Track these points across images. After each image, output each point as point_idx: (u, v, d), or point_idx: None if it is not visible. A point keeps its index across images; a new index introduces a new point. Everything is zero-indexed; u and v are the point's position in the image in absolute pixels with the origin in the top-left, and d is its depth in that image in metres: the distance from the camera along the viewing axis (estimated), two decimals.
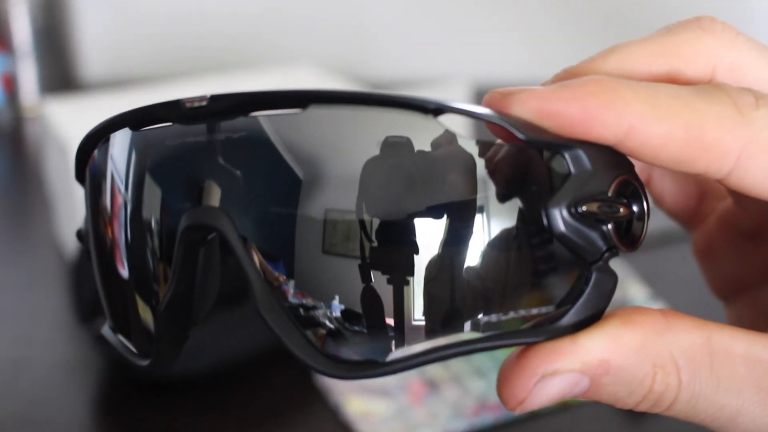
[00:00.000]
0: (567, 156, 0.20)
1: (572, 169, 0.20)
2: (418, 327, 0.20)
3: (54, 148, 0.62)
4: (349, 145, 0.20)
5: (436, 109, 0.20)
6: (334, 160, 0.20)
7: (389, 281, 0.20)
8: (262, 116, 0.21)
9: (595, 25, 1.04)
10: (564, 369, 0.20)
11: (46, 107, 0.65)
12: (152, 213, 0.22)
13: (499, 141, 0.20)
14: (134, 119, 0.23)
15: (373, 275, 0.20)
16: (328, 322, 0.20)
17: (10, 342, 0.54)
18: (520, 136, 0.20)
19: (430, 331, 0.20)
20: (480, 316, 0.20)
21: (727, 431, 0.21)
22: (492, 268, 0.20)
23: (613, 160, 0.20)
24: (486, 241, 0.20)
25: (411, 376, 0.48)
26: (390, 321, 0.20)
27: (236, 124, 0.21)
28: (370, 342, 0.20)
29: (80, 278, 0.50)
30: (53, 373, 0.51)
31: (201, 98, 0.21)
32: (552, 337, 0.20)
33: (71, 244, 0.59)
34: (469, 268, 0.20)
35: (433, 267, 0.20)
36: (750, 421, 0.20)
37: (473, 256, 0.20)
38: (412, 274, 0.20)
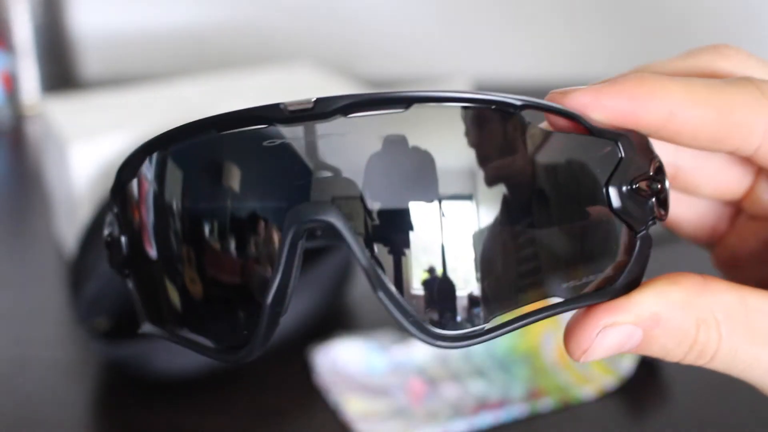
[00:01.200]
0: (619, 143, 0.24)
1: (623, 153, 0.24)
2: (518, 295, 0.24)
3: (54, 146, 0.62)
4: (452, 140, 0.23)
5: (521, 105, 0.24)
6: (441, 154, 0.23)
7: (489, 257, 0.23)
8: (365, 116, 0.23)
9: (595, 23, 1.04)
10: (621, 321, 0.23)
11: (46, 106, 0.65)
12: (257, 211, 0.23)
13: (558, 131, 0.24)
14: (220, 123, 0.24)
15: (481, 252, 0.23)
16: (434, 300, 0.23)
17: (10, 341, 0.54)
18: (586, 125, 0.24)
19: (526, 298, 0.24)
20: (560, 283, 0.24)
21: (764, 381, 0.24)
22: (566, 241, 0.24)
23: (647, 146, 0.24)
24: (561, 217, 0.24)
25: (411, 376, 0.48)
26: (492, 291, 0.23)
27: (337, 124, 0.23)
28: (473, 312, 0.23)
29: (79, 277, 0.50)
30: (52, 372, 0.51)
31: (306, 102, 0.23)
32: (613, 297, 0.24)
33: (71, 244, 0.59)
34: (551, 241, 0.24)
35: (527, 242, 0.23)
36: None
37: (552, 230, 0.24)
38: (515, 249, 0.23)
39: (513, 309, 0.24)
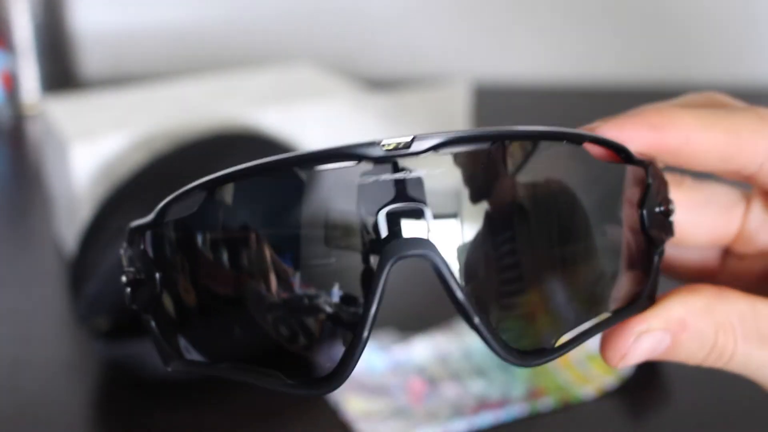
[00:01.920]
0: (648, 170, 0.27)
1: (650, 179, 0.27)
2: (576, 316, 0.26)
3: (54, 146, 0.62)
4: (535, 175, 0.25)
5: (582, 139, 0.26)
6: (526, 189, 0.25)
7: (562, 287, 0.26)
8: (453, 152, 0.24)
9: (596, 23, 1.04)
10: (654, 327, 0.26)
11: (47, 105, 0.65)
12: (353, 246, 0.24)
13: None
14: (307, 160, 0.24)
15: (557, 282, 0.26)
16: (516, 325, 0.25)
17: (9, 341, 0.54)
18: (629, 155, 0.26)
19: (581, 318, 0.26)
20: (607, 299, 0.26)
21: None
22: (612, 261, 0.26)
23: (661, 172, 0.27)
24: (611, 240, 0.26)
25: (411, 376, 0.48)
26: (562, 315, 0.26)
27: (429, 160, 0.24)
28: (542, 332, 0.26)
29: (79, 277, 0.50)
30: (52, 372, 0.51)
31: (403, 140, 0.24)
32: (644, 308, 0.26)
33: (71, 244, 0.59)
34: (604, 263, 0.26)
35: (590, 268, 0.26)
36: None
37: (605, 253, 0.26)
38: (581, 275, 0.26)
39: (575, 328, 0.26)
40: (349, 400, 0.46)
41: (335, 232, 0.24)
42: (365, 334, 0.24)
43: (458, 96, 0.70)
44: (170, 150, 0.55)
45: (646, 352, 0.26)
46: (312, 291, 0.25)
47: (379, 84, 0.84)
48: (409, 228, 0.24)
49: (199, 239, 0.25)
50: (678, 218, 0.29)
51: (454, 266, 0.24)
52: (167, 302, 0.26)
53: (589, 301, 0.26)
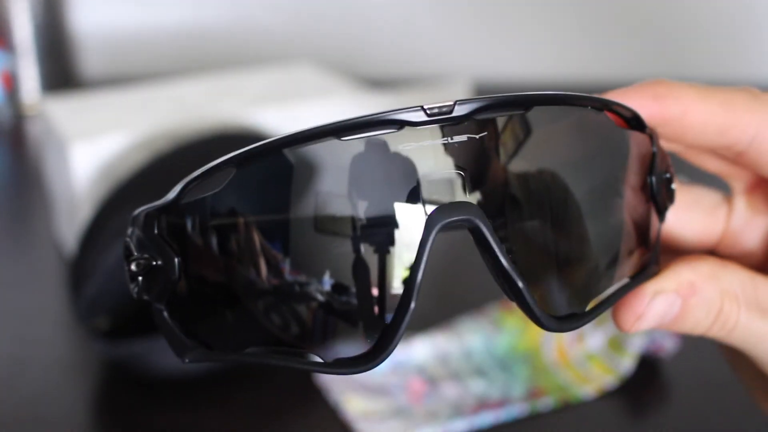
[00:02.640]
0: (653, 138, 0.28)
1: (655, 148, 0.28)
2: (602, 281, 0.26)
3: (54, 146, 0.62)
4: (568, 141, 0.26)
5: (605, 104, 0.27)
6: (562, 155, 0.26)
7: (593, 254, 0.26)
8: (494, 117, 0.24)
9: (595, 23, 1.04)
10: (667, 288, 0.27)
11: (47, 105, 0.65)
12: (396, 214, 0.24)
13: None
14: (344, 129, 0.23)
15: (587, 251, 0.26)
16: (554, 292, 0.26)
17: (9, 341, 0.54)
18: (641, 122, 0.27)
19: (605, 284, 0.27)
20: (625, 265, 0.27)
21: (765, 357, 0.28)
22: (630, 228, 0.27)
23: (660, 143, 0.28)
24: (628, 208, 0.27)
25: (411, 375, 0.48)
26: (593, 282, 0.26)
27: (467, 126, 0.24)
28: (573, 298, 0.26)
29: (79, 277, 0.50)
30: (52, 371, 0.51)
31: (445, 105, 0.24)
32: (656, 273, 0.27)
33: (71, 244, 0.59)
34: (625, 230, 0.27)
35: (615, 234, 0.27)
36: None
37: (626, 220, 0.27)
38: (607, 242, 0.27)
39: (601, 294, 0.27)
40: (349, 400, 0.46)
41: (376, 204, 0.24)
42: (412, 304, 0.24)
43: (458, 96, 0.70)
44: (170, 150, 0.55)
45: (659, 314, 0.27)
46: (362, 265, 0.24)
47: (379, 84, 0.84)
48: (453, 194, 0.24)
49: (227, 220, 0.24)
50: (668, 220, 0.29)
51: (498, 233, 0.24)
52: (185, 290, 0.25)
53: (611, 268, 0.27)
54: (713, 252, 0.32)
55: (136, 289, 0.25)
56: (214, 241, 0.24)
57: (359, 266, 0.24)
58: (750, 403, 0.34)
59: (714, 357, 0.38)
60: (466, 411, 0.45)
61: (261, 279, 0.24)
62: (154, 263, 0.25)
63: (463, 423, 0.44)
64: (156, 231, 0.25)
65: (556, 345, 0.50)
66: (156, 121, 0.60)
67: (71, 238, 0.59)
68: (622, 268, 0.27)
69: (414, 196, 0.24)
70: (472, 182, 0.24)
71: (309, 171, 0.24)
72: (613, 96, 0.28)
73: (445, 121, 0.24)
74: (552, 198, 0.25)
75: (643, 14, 1.03)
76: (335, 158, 0.24)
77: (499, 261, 0.24)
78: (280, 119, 0.62)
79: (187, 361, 0.25)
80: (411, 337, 0.50)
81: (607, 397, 0.47)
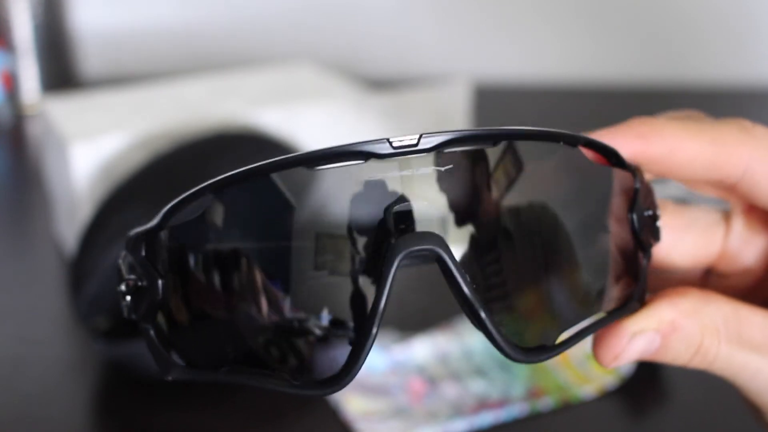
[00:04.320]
0: (637, 176, 0.27)
1: (638, 185, 0.27)
2: (574, 315, 0.27)
3: (54, 146, 0.62)
4: (534, 175, 0.26)
5: (577, 141, 0.27)
6: (528, 187, 0.26)
7: (562, 287, 0.26)
8: (458, 151, 0.25)
9: (595, 24, 1.04)
10: (647, 328, 0.27)
11: (47, 105, 0.65)
12: (361, 243, 0.25)
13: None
14: (312, 160, 0.24)
15: (556, 282, 0.26)
16: (519, 323, 0.26)
17: (9, 340, 0.54)
18: (620, 160, 0.27)
19: (579, 317, 0.27)
20: (602, 300, 0.27)
21: (751, 385, 0.28)
22: (602, 264, 0.27)
23: (645, 179, 0.28)
24: (604, 243, 0.27)
25: (411, 375, 0.48)
26: (563, 314, 0.27)
27: (435, 159, 0.25)
28: (543, 330, 0.26)
29: (79, 277, 0.50)
30: (52, 371, 0.51)
31: (410, 138, 0.24)
32: (635, 310, 0.27)
33: (71, 244, 0.59)
34: (600, 264, 0.27)
35: (589, 268, 0.27)
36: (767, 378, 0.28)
37: (602, 255, 0.27)
38: (573, 271, 0.27)
39: (572, 326, 0.27)
40: (349, 400, 0.46)
41: (342, 231, 0.25)
42: (374, 330, 0.24)
43: (458, 96, 0.70)
44: (170, 150, 0.55)
45: (638, 352, 0.27)
46: (324, 291, 0.25)
47: (379, 84, 0.84)
48: (417, 224, 0.25)
49: (204, 244, 0.25)
50: (662, 241, 0.29)
51: (462, 263, 0.25)
52: (168, 310, 0.26)
53: (585, 302, 0.27)
54: (710, 270, 0.32)
55: (126, 309, 0.27)
56: (192, 264, 0.26)
57: (326, 291, 0.25)
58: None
59: None
60: (466, 411, 0.45)
61: (234, 301, 0.25)
62: (141, 284, 0.26)
63: (463, 423, 0.44)
64: (143, 254, 0.26)
65: None
66: (156, 121, 0.60)
67: (71, 238, 0.59)
68: (598, 303, 0.27)
69: (379, 226, 0.25)
70: (436, 213, 0.25)
71: (281, 199, 0.25)
72: (597, 135, 0.28)
73: (411, 153, 0.24)
74: (520, 230, 0.26)
75: (643, 14, 1.03)
76: (303, 187, 0.25)
77: (462, 291, 0.24)
78: (280, 119, 0.62)
79: (170, 378, 0.26)
80: (411, 336, 0.50)
81: (607, 397, 0.47)
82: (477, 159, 0.25)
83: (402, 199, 0.25)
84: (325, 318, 0.25)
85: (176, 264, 0.26)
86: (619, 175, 0.27)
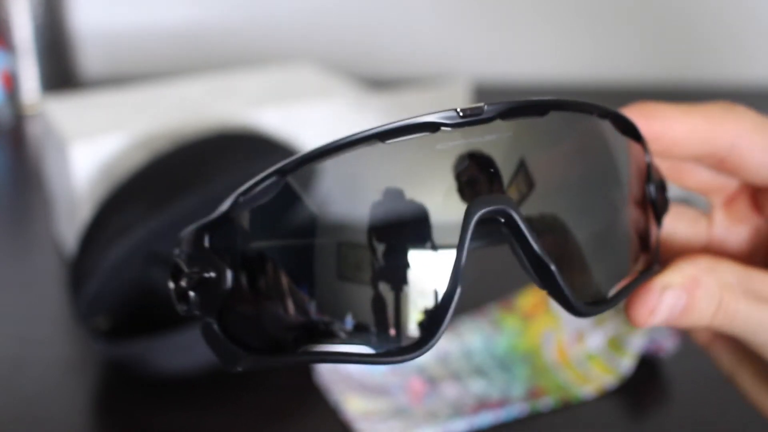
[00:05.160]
0: (647, 149, 0.30)
1: (648, 158, 0.30)
2: (618, 272, 0.29)
3: (54, 146, 0.62)
4: (585, 142, 0.28)
5: (607, 114, 0.29)
6: (574, 155, 0.28)
7: (614, 244, 0.29)
8: (517, 121, 0.26)
9: (596, 23, 1.04)
10: (674, 282, 0.29)
11: (47, 105, 0.65)
12: (437, 209, 0.25)
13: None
14: (381, 135, 0.25)
15: (609, 240, 0.29)
16: (582, 278, 0.28)
17: (9, 340, 0.54)
18: (639, 135, 0.29)
19: (619, 276, 0.29)
20: (635, 263, 0.29)
21: (756, 339, 0.30)
22: (637, 227, 0.29)
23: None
24: (634, 209, 0.29)
25: (411, 375, 0.48)
26: (615, 270, 0.29)
27: (495, 126, 0.26)
28: (595, 287, 0.28)
29: (79, 277, 0.50)
30: (52, 371, 0.51)
31: (476, 106, 0.26)
32: (658, 272, 0.29)
33: (71, 244, 0.59)
34: (627, 228, 0.29)
35: (620, 228, 0.29)
36: None
37: (634, 219, 0.29)
38: (615, 234, 0.29)
39: (616, 284, 0.29)
40: (349, 400, 0.46)
41: (418, 200, 0.25)
42: (457, 289, 0.25)
43: (458, 96, 0.70)
44: (170, 150, 0.55)
45: (669, 308, 0.29)
46: (407, 259, 0.25)
47: (379, 84, 0.84)
48: (488, 187, 0.26)
49: (277, 227, 0.25)
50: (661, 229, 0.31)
51: (531, 222, 0.26)
52: (237, 299, 0.25)
53: (623, 262, 0.29)
54: None
55: (185, 307, 0.26)
56: (264, 251, 0.25)
57: (406, 261, 0.25)
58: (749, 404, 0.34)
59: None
60: (466, 411, 0.45)
61: (313, 280, 0.25)
62: (206, 275, 0.26)
63: (463, 423, 0.44)
64: (207, 245, 0.26)
65: (556, 345, 0.50)
66: (156, 121, 0.60)
67: (71, 238, 0.59)
68: (632, 263, 0.29)
69: (451, 193, 0.26)
70: (502, 177, 0.26)
71: (344, 179, 0.25)
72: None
73: (477, 123, 0.26)
74: (571, 192, 0.28)
75: (643, 14, 1.03)
76: (369, 165, 0.25)
77: (532, 247, 0.26)
78: (280, 119, 0.62)
79: (239, 369, 0.26)
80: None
81: (607, 397, 0.47)
82: (532, 127, 0.27)
83: (471, 164, 0.26)
84: (406, 285, 0.25)
85: (246, 251, 0.25)
86: (635, 149, 0.29)
